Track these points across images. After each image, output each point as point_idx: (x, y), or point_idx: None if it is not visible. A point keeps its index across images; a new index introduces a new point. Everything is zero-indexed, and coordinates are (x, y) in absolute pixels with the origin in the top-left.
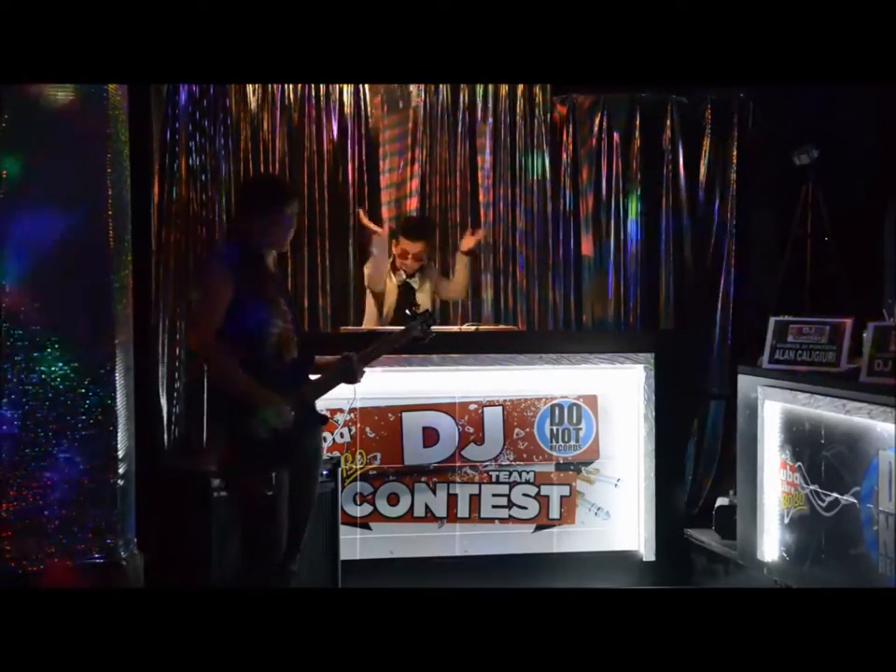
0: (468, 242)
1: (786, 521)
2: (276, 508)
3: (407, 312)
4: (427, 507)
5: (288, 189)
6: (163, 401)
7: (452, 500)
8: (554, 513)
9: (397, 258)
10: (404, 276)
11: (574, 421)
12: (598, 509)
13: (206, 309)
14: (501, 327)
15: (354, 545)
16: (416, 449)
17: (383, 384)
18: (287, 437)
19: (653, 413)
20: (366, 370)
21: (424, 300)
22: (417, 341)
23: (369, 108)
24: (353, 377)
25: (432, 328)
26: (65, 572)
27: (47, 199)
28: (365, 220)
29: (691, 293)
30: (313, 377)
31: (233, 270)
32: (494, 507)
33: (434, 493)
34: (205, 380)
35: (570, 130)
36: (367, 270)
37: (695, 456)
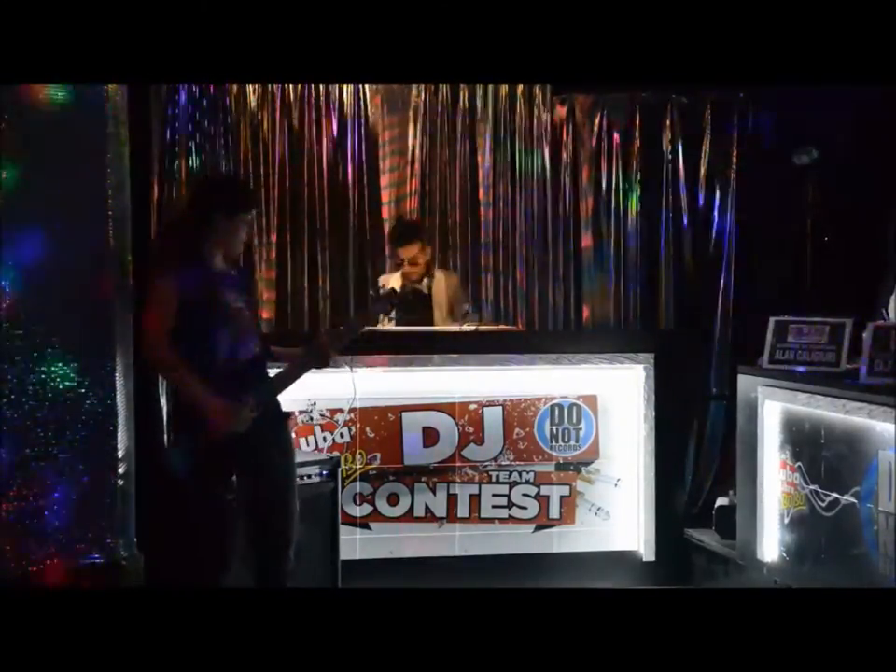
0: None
1: (786, 521)
2: (226, 511)
3: (371, 293)
4: (426, 507)
5: (253, 194)
6: (163, 401)
7: (452, 500)
8: (554, 513)
9: (401, 267)
10: (411, 285)
11: (574, 421)
12: (598, 509)
13: (150, 318)
14: (501, 327)
15: (354, 545)
16: (416, 449)
17: (383, 384)
18: (247, 437)
19: (653, 413)
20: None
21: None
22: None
23: (369, 108)
24: (325, 360)
25: (395, 306)
26: (65, 572)
27: (46, 199)
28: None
29: (691, 293)
30: (276, 371)
31: (177, 276)
32: (494, 507)
33: (434, 493)
34: None
35: (570, 130)
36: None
37: (695, 456)
